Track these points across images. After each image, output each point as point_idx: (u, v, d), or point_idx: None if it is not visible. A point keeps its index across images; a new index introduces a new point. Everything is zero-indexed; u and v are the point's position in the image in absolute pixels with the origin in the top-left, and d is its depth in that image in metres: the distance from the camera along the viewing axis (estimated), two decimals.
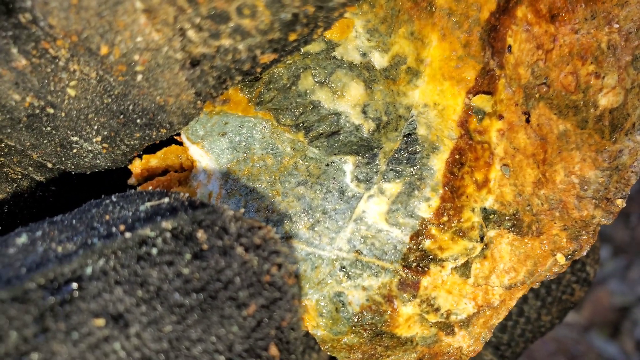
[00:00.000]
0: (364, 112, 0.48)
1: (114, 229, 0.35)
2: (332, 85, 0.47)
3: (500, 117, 0.48)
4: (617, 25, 0.47)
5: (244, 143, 0.49)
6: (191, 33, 0.39)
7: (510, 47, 0.48)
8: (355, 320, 0.49)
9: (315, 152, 0.49)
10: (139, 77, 0.40)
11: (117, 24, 0.38)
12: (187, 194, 0.40)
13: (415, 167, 0.49)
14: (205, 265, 0.36)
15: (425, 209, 0.49)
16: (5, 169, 0.48)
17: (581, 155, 0.48)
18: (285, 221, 0.49)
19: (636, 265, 2.15)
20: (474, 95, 0.48)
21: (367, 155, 0.49)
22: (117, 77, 0.40)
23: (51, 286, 0.32)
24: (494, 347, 0.71)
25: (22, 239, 0.36)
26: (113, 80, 0.41)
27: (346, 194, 0.49)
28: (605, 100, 0.48)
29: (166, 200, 0.38)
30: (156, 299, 0.34)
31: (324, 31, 0.43)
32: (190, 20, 0.38)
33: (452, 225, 0.49)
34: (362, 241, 0.49)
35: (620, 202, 0.49)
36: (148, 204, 0.38)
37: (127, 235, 0.35)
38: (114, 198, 0.40)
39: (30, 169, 0.48)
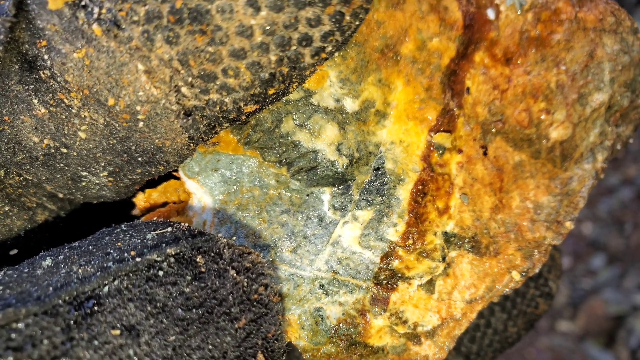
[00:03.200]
0: (339, 149, 0.50)
1: (125, 254, 0.39)
2: (310, 127, 0.49)
3: (460, 151, 0.50)
4: (564, 67, 0.48)
5: (234, 177, 0.51)
6: (184, 89, 0.42)
7: (468, 89, 0.49)
8: (333, 332, 0.52)
9: (296, 184, 0.51)
10: (141, 124, 0.43)
11: (122, 81, 0.41)
12: (187, 224, 0.43)
13: (383, 197, 0.51)
14: (203, 285, 0.39)
15: (393, 233, 0.51)
16: (22, 199, 0.51)
17: (535, 183, 0.50)
18: (271, 245, 0.51)
19: (631, 273, 2.09)
20: (435, 133, 0.50)
21: (341, 186, 0.51)
22: (122, 123, 0.44)
23: (75, 302, 0.36)
24: (465, 356, 0.73)
25: (47, 262, 0.40)
26: (118, 125, 0.44)
27: (324, 220, 0.51)
28: (556, 133, 0.49)
29: (169, 229, 0.42)
30: (162, 314, 0.38)
31: (299, 85, 0.45)
32: (184, 79, 0.41)
33: (417, 247, 0.51)
34: (339, 262, 0.52)
35: (569, 224, 0.51)
36: (154, 233, 0.41)
37: (138, 259, 0.38)
38: (124, 227, 0.44)
39: (44, 198, 0.51)
